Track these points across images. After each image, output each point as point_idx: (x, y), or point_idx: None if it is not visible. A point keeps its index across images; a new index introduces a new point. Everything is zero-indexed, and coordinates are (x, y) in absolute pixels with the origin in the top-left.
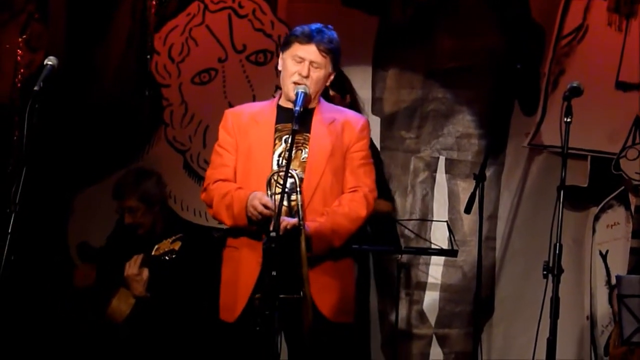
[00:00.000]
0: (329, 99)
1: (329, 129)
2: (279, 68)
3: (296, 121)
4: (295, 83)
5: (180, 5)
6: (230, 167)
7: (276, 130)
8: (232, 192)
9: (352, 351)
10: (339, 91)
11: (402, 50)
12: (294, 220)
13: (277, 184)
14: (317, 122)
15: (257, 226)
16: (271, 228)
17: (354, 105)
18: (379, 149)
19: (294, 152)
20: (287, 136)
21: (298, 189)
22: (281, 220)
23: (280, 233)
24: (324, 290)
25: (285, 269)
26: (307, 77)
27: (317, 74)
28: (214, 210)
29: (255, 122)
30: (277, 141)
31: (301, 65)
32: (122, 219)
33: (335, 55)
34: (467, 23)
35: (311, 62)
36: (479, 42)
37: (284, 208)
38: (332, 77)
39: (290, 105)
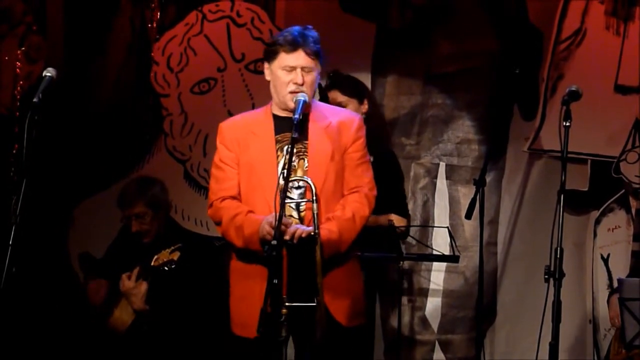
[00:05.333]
0: (327, 101)
1: (326, 133)
2: (267, 78)
3: (296, 129)
4: (293, 92)
5: (179, 15)
6: (235, 180)
7: (276, 142)
8: (241, 215)
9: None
10: (356, 96)
11: (401, 56)
12: (309, 229)
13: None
14: (314, 127)
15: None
16: (273, 236)
17: (373, 111)
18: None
19: (296, 161)
20: (288, 146)
21: (315, 197)
22: (295, 228)
23: (295, 241)
24: (337, 296)
25: (297, 276)
26: (302, 84)
27: (310, 78)
28: (222, 230)
29: (254, 134)
30: (278, 153)
31: (294, 74)
32: (127, 228)
33: (320, 53)
34: (465, 28)
35: (302, 68)
36: (477, 47)
37: (296, 220)
38: (320, 75)
39: (286, 114)
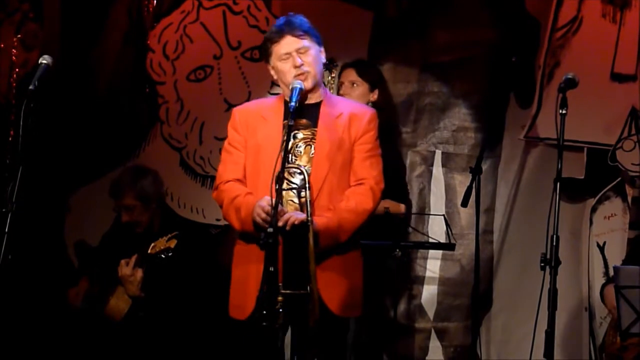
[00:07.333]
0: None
1: (336, 123)
2: (274, 77)
3: (292, 117)
4: (297, 76)
5: (175, 2)
6: (241, 164)
7: (284, 127)
8: (241, 197)
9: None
10: (369, 82)
11: (397, 45)
12: (302, 216)
13: (286, 180)
14: (324, 115)
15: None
16: (269, 224)
17: (384, 103)
18: None
19: (303, 147)
20: (296, 131)
21: (307, 185)
22: (289, 215)
23: (288, 228)
24: (331, 285)
25: (291, 264)
26: (302, 65)
27: (309, 57)
28: (223, 212)
29: (263, 119)
30: (285, 137)
31: (291, 59)
32: (120, 218)
33: (311, 32)
34: (461, 16)
35: (297, 50)
36: (474, 35)
37: (295, 205)
38: (323, 54)
39: None
